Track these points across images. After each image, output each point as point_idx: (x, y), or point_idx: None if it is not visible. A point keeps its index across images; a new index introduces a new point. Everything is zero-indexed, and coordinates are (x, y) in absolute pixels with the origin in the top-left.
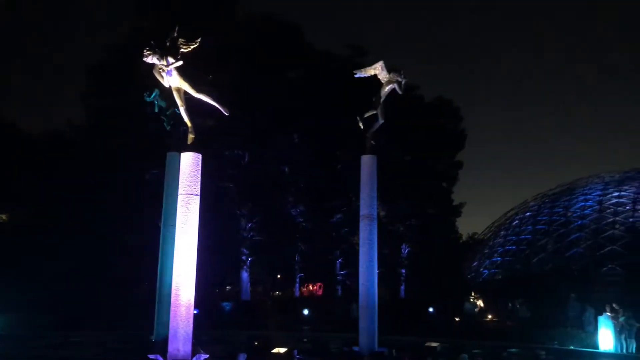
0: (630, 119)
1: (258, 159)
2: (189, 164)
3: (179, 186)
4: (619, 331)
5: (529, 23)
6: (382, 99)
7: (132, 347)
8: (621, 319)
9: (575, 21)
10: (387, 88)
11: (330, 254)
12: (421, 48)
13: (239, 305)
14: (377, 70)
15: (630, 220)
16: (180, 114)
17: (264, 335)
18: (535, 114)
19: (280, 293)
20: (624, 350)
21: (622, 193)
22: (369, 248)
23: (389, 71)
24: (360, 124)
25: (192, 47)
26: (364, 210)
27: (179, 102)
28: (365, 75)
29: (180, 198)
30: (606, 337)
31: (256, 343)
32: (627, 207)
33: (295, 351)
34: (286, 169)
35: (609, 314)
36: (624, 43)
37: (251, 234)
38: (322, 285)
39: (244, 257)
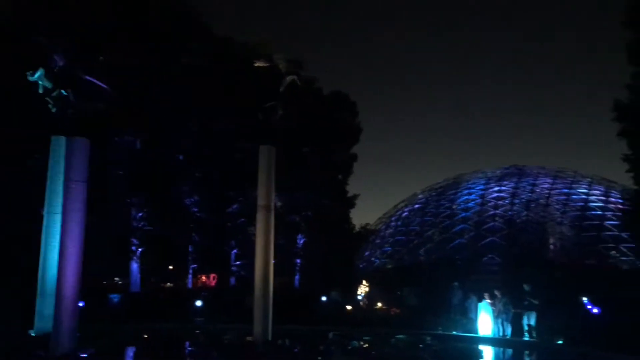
0: (509, 117)
1: (151, 146)
2: (76, 149)
3: (65, 172)
4: (497, 316)
5: (422, 21)
6: (281, 90)
7: (10, 344)
8: (499, 305)
9: (464, 14)
10: (287, 79)
11: (225, 244)
12: (320, 42)
13: (128, 297)
14: (278, 60)
15: (509, 213)
16: (67, 95)
17: (155, 328)
18: (425, 108)
19: (172, 284)
20: (501, 334)
21: (502, 188)
22: (266, 238)
23: (289, 62)
24: (260, 114)
25: (83, 25)
26: (261, 201)
27: (66, 83)
28: (266, 65)
29: (65, 185)
30: (485, 322)
31: (146, 336)
32: (506, 201)
33: (187, 343)
34: (181, 157)
35: (488, 300)
36: (503, 36)
37: (142, 223)
38: (216, 276)
39: (133, 248)
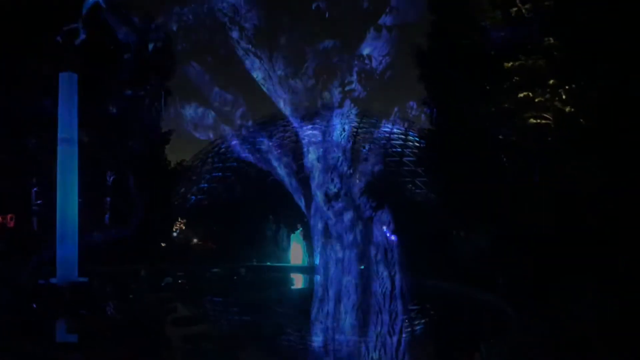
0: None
1: None
2: None
3: None
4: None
5: None
6: (84, 12)
7: None
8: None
9: None
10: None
11: (24, 182)
12: None
13: None
14: None
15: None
16: None
17: None
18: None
19: None
20: (310, 263)
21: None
22: (69, 175)
23: None
24: (59, 38)
25: None
26: (62, 134)
27: None
28: None
29: None
30: (297, 253)
31: None
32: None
33: None
34: None
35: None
36: None
37: None
38: (14, 217)
39: None
